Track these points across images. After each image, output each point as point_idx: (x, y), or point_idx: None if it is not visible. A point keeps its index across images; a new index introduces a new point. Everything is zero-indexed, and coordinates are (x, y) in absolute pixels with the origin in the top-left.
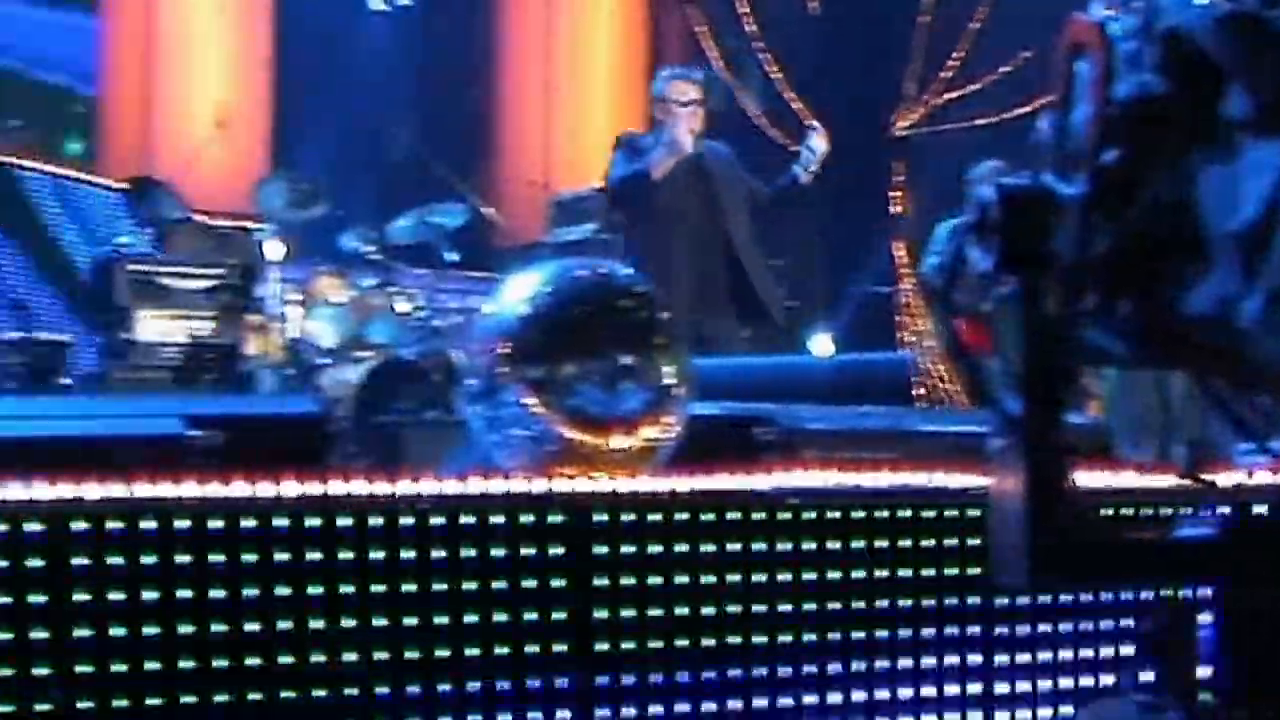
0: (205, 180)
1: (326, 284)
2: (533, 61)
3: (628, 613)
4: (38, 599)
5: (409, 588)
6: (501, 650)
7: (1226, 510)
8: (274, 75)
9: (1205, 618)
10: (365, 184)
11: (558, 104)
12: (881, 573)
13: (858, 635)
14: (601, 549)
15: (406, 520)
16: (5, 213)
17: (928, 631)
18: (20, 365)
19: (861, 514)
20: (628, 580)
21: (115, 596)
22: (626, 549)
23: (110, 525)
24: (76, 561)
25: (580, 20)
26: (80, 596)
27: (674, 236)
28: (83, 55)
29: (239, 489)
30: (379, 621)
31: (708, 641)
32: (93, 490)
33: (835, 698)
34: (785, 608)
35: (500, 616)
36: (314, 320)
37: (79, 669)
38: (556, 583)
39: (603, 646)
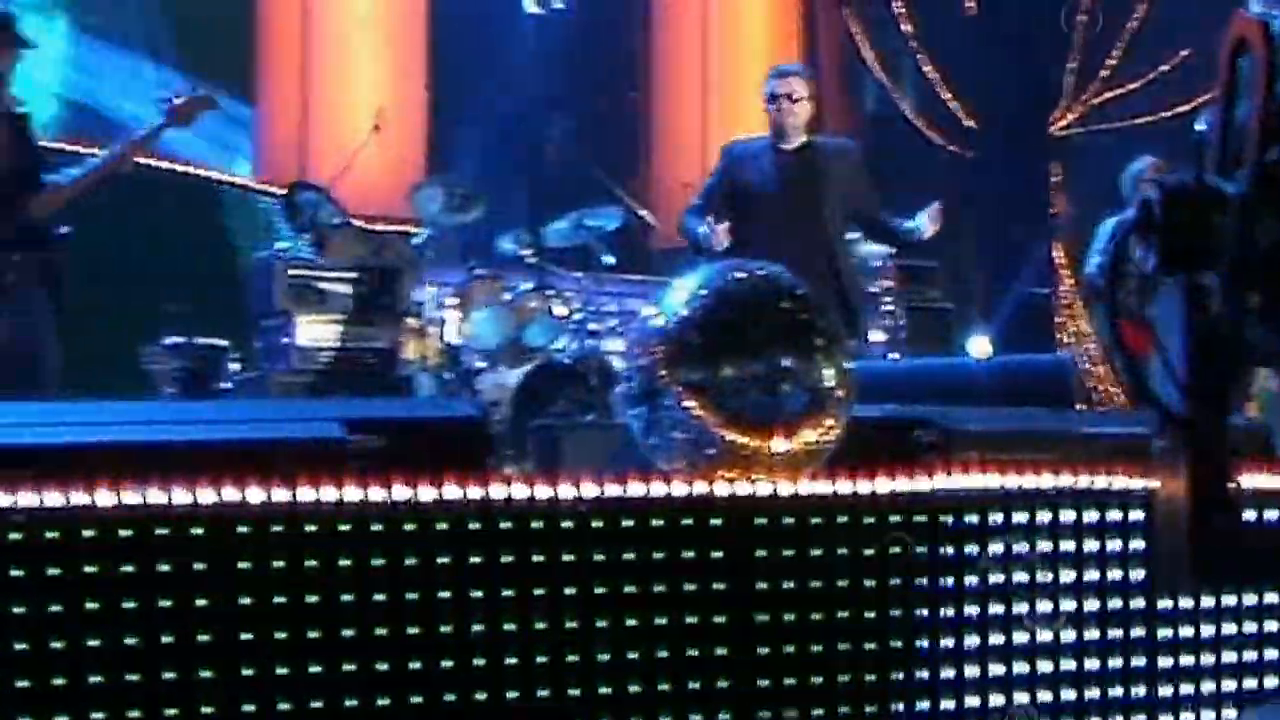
0: (362, 184)
1: (483, 287)
2: (688, 63)
3: (788, 616)
4: (202, 602)
5: (570, 591)
6: (662, 654)
7: None
8: (429, 79)
9: None
10: (521, 187)
11: (713, 105)
12: (1044, 575)
13: (1020, 639)
14: (762, 552)
15: (567, 524)
16: (177, 216)
17: (1091, 634)
18: (180, 369)
19: (1024, 516)
20: (788, 583)
21: (279, 600)
22: (787, 552)
23: (273, 529)
24: (241, 565)
25: (735, 22)
26: (244, 600)
27: (772, 237)
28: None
29: (400, 493)
30: (540, 625)
31: (869, 645)
32: (255, 494)
33: (998, 699)
34: (948, 611)
35: (660, 620)
36: (471, 324)
37: (244, 672)
38: (717, 586)
39: (764, 650)
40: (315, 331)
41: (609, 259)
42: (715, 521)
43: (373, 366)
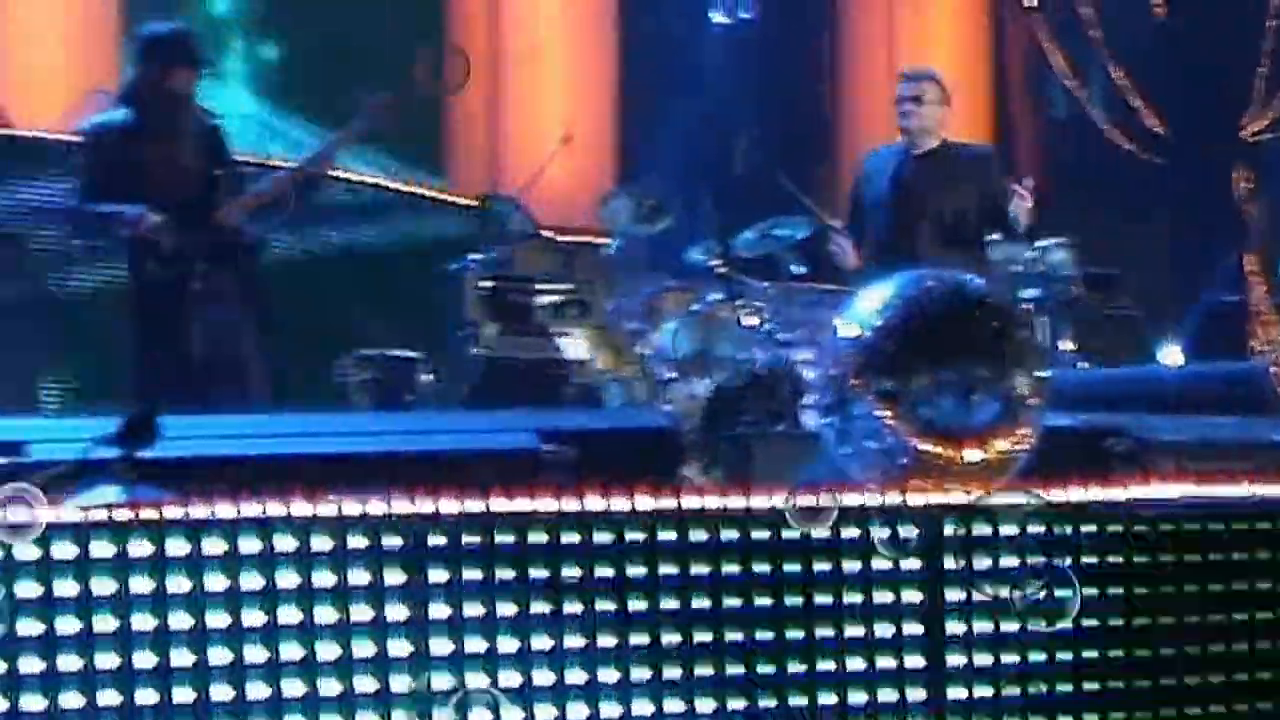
0: (551, 195)
1: (673, 298)
2: (875, 72)
3: (981, 626)
4: (398, 613)
5: (763, 601)
6: (854, 664)
7: None
8: (617, 90)
9: None
10: (710, 196)
11: None
12: (1240, 585)
13: (1215, 648)
14: (955, 562)
15: (759, 534)
16: (367, 228)
17: None
18: (373, 381)
19: (1219, 526)
20: (981, 594)
21: (471, 610)
22: (980, 562)
23: (467, 539)
24: (433, 576)
25: (922, 30)
26: (437, 611)
27: (880, 244)
28: None
29: (593, 503)
30: (733, 635)
31: (1063, 655)
32: (449, 505)
33: (1194, 710)
34: (1142, 621)
35: (854, 630)
36: (661, 334)
37: (435, 682)
38: (909, 596)
39: (956, 660)
40: (505, 342)
41: (798, 268)
42: (908, 531)
43: (564, 377)
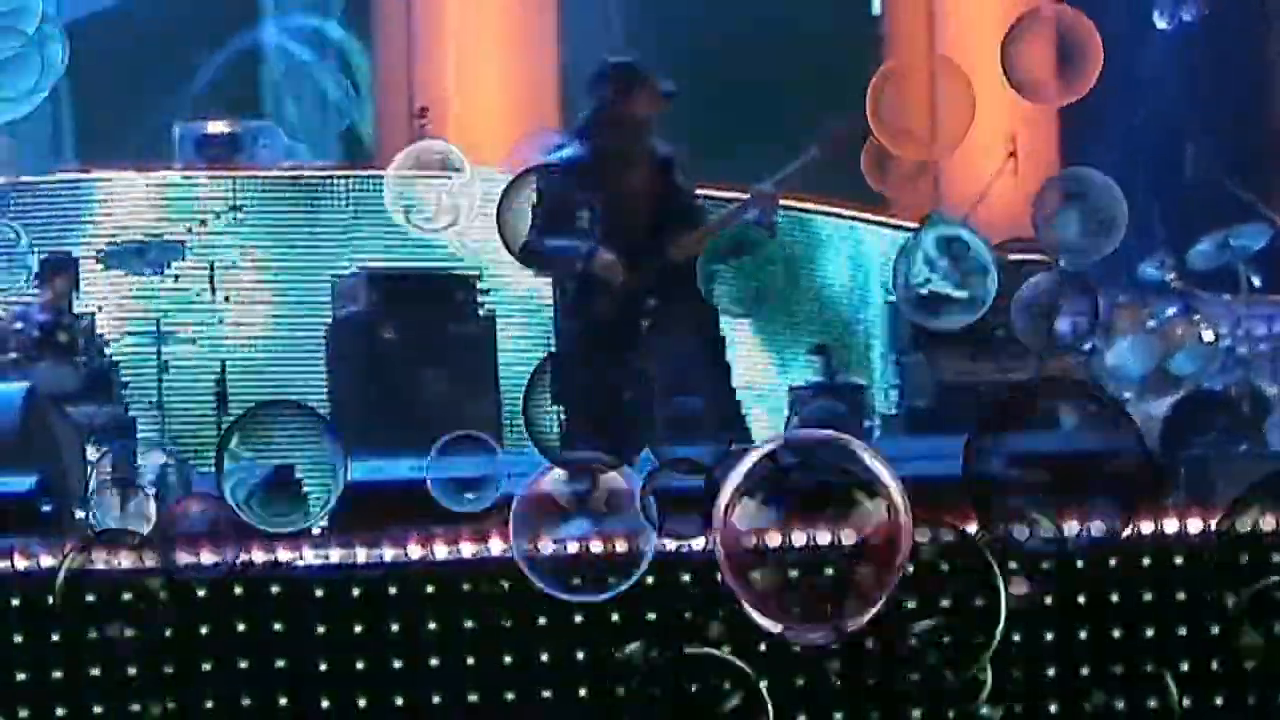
0: (994, 213)
1: (1127, 315)
2: None
3: None
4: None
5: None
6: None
7: None
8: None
9: None
10: (1159, 208)
11: None
12: None
13: None
14: None
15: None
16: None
17: None
18: (815, 408)
19: None
20: None
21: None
22: None
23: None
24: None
25: None
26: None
27: None
28: None
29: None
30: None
31: None
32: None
33: None
34: None
35: None
36: (1115, 353)
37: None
38: None
39: None
40: (955, 365)
41: (1256, 280)
42: None
43: (1017, 400)
